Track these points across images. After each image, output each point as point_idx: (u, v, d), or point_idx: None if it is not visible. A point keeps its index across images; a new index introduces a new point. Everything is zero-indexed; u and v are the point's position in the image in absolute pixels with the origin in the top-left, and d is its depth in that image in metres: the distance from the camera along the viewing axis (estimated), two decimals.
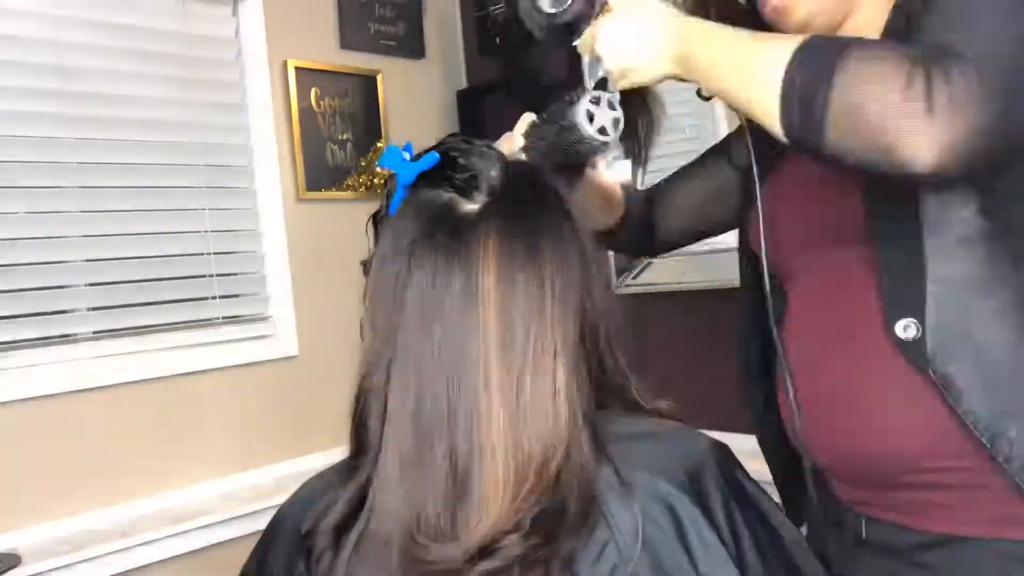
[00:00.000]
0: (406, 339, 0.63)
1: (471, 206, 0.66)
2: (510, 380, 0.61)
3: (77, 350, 1.78)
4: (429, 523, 0.60)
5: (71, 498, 1.73)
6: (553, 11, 0.81)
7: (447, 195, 0.67)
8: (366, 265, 0.70)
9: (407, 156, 0.70)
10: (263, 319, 2.10)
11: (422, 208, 0.67)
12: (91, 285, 1.82)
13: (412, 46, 2.44)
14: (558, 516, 0.58)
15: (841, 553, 0.93)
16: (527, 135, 0.85)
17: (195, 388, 1.94)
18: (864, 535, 0.90)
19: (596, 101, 0.80)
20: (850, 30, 0.87)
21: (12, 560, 1.54)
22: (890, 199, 0.79)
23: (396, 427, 0.63)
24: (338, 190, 2.24)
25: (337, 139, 2.25)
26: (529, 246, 0.64)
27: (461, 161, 0.68)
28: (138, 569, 1.70)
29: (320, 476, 0.74)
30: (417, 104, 2.45)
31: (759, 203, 0.90)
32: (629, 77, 0.84)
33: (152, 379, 1.87)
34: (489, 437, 0.60)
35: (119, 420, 1.81)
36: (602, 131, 0.80)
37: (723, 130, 1.96)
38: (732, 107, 0.79)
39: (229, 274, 2.04)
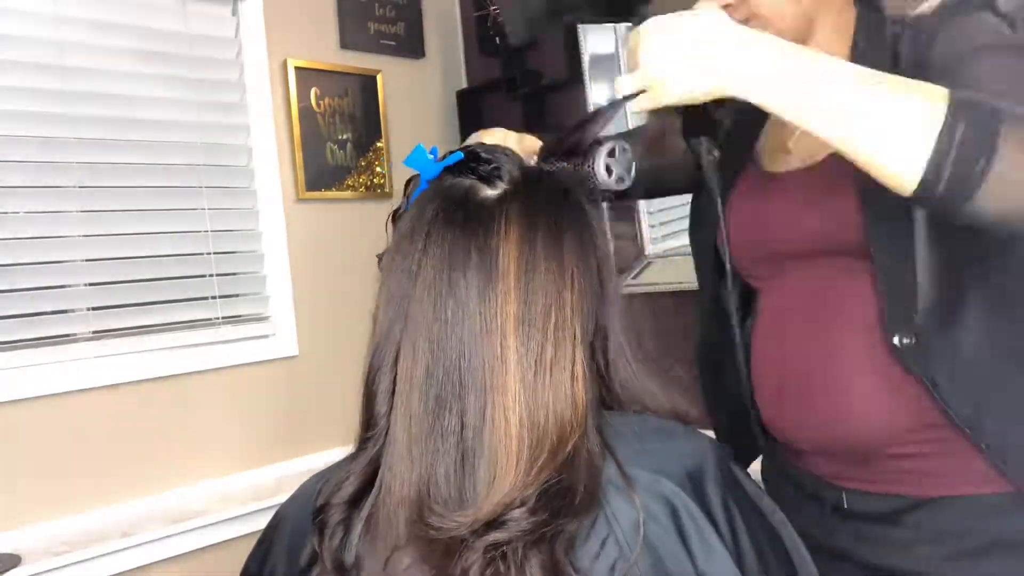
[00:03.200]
0: (418, 312, 0.64)
1: (491, 191, 0.68)
2: (528, 356, 0.62)
3: (77, 350, 1.78)
4: (439, 492, 0.61)
5: (71, 498, 1.73)
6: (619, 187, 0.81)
7: (469, 181, 0.69)
8: (381, 258, 0.71)
9: (432, 157, 0.71)
10: (263, 319, 2.10)
11: (443, 191, 0.69)
12: (91, 285, 1.82)
13: (412, 46, 2.44)
14: (565, 496, 0.59)
15: (820, 524, 0.97)
16: (541, 159, 0.82)
17: (195, 388, 1.94)
18: (845, 505, 0.94)
19: (612, 153, 0.79)
20: None
21: (12, 560, 1.54)
22: (887, 208, 0.82)
23: (405, 398, 0.64)
24: (338, 190, 2.24)
25: (337, 139, 2.25)
26: (551, 232, 0.66)
27: (485, 155, 0.70)
28: (138, 569, 1.70)
29: (320, 476, 0.74)
30: (417, 104, 2.45)
31: (720, 215, 0.95)
32: (666, 92, 0.78)
33: (152, 379, 1.87)
34: (503, 410, 0.61)
35: (119, 420, 1.81)
36: (619, 180, 0.80)
37: None
38: (819, 137, 0.74)
39: (229, 274, 2.04)
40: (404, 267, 0.66)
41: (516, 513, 0.58)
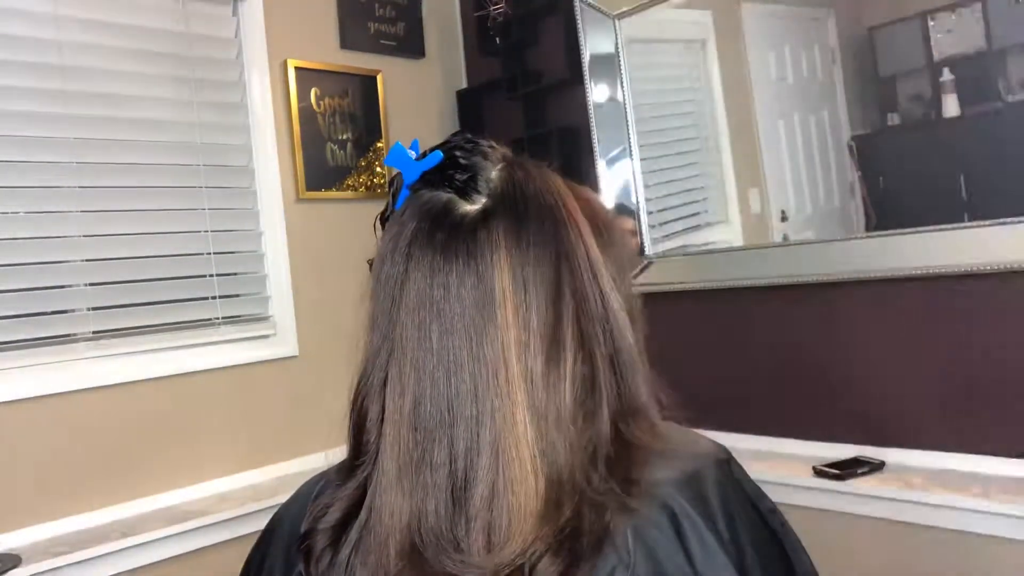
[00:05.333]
0: (404, 339, 0.62)
1: (470, 207, 0.64)
2: (533, 383, 0.59)
3: (77, 350, 1.78)
4: (429, 526, 0.59)
5: (71, 498, 1.73)
6: None
7: (446, 195, 0.65)
8: (372, 264, 0.69)
9: (412, 155, 0.69)
10: (263, 319, 2.10)
11: (421, 209, 0.66)
12: (91, 285, 1.82)
13: (412, 46, 2.44)
14: (581, 534, 0.57)
15: None
16: None
17: (195, 388, 1.94)
18: None
19: None
20: None
21: (12, 560, 1.54)
22: None
23: (394, 427, 0.62)
24: (338, 190, 2.24)
25: (337, 139, 2.25)
26: (541, 246, 0.62)
27: (463, 161, 0.66)
28: (138, 569, 1.69)
29: (318, 478, 0.73)
30: (417, 104, 2.45)
31: None
32: None
33: (152, 379, 1.87)
34: (515, 444, 0.58)
35: (119, 420, 1.81)
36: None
37: (723, 126, 1.97)
38: None
39: (229, 274, 2.04)
40: (387, 291, 0.64)
41: (543, 565, 0.56)
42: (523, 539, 0.57)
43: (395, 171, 0.70)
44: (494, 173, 0.66)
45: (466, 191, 0.65)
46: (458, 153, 0.67)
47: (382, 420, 0.63)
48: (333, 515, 0.64)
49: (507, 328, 0.60)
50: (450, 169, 0.66)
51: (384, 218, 0.71)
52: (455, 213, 0.64)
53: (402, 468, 0.61)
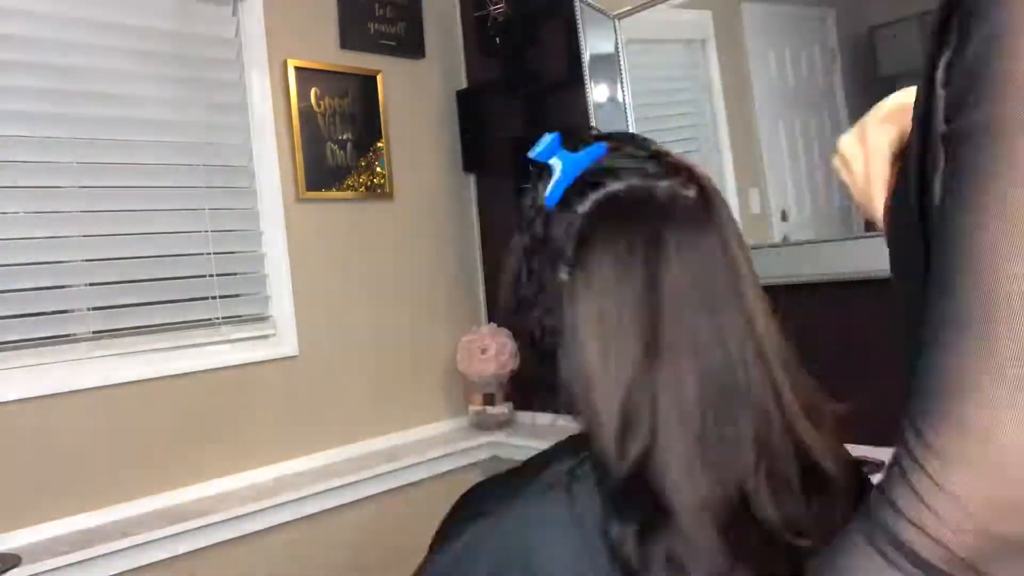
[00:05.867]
0: (675, 331, 0.62)
1: (689, 192, 0.67)
2: (773, 344, 0.67)
3: (77, 350, 1.78)
4: (753, 493, 0.62)
5: (71, 498, 1.73)
6: None
7: (665, 183, 0.67)
8: (557, 267, 0.67)
9: (555, 144, 0.71)
10: (263, 319, 2.10)
11: (646, 200, 0.66)
12: (91, 285, 1.82)
13: (412, 46, 2.44)
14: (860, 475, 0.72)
15: None
16: None
17: (195, 388, 1.94)
18: None
19: None
20: None
21: (12, 560, 1.54)
22: None
23: (676, 415, 0.61)
24: (338, 190, 2.24)
25: (337, 139, 2.25)
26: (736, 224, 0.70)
27: (638, 151, 0.70)
28: (138, 569, 1.70)
29: (560, 496, 0.65)
30: (417, 104, 2.45)
31: None
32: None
33: (152, 379, 1.87)
34: (789, 400, 0.66)
35: (119, 420, 1.81)
36: None
37: (723, 130, 1.96)
38: None
39: (229, 274, 2.04)
40: (633, 294, 0.63)
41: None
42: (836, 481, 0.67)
43: (546, 166, 0.71)
44: (684, 159, 0.72)
45: (678, 174, 0.68)
46: (622, 143, 0.71)
47: (655, 415, 0.62)
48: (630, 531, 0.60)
49: (750, 298, 0.66)
50: (650, 159, 0.69)
51: (538, 208, 0.70)
52: (683, 197, 0.67)
53: (696, 448, 0.61)
